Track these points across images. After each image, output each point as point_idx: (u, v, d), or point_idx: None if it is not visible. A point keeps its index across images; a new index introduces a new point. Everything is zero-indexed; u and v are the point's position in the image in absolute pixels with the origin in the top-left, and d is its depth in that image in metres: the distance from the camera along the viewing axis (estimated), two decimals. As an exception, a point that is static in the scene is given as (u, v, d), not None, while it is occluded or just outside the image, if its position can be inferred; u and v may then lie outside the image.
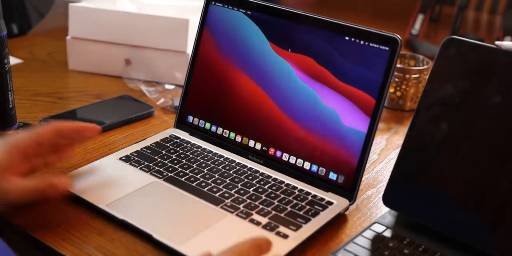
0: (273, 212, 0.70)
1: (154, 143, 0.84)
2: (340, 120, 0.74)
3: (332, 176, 0.75)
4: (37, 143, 0.70)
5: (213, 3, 0.85)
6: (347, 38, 0.74)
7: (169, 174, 0.77)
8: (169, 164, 0.79)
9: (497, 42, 0.68)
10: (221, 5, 0.84)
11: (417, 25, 1.37)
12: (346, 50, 0.74)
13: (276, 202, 0.72)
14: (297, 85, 0.78)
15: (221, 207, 0.71)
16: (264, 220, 0.69)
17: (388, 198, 0.72)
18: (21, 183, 0.66)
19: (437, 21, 1.48)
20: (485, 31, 1.50)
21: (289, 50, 0.78)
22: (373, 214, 0.75)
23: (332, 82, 0.75)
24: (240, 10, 0.82)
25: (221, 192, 0.74)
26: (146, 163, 0.79)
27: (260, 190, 0.75)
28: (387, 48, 0.71)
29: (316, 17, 0.77)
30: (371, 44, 0.72)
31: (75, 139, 0.74)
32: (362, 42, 0.73)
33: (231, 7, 0.83)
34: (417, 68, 1.03)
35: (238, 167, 0.79)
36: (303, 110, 0.77)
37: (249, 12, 0.82)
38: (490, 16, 1.54)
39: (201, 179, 0.76)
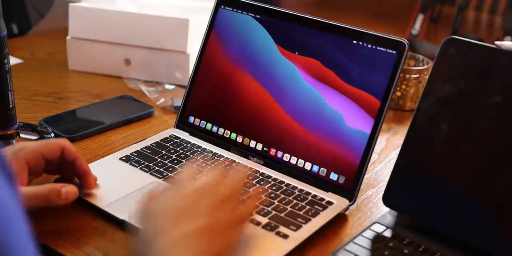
0: (273, 212, 0.70)
1: (154, 143, 0.84)
2: (344, 121, 0.74)
3: (333, 176, 0.75)
4: (43, 156, 0.70)
5: (222, 7, 0.85)
6: (354, 41, 0.75)
7: (169, 174, 0.77)
8: (169, 164, 0.79)
9: (497, 42, 0.68)
10: (230, 9, 0.85)
11: (417, 25, 1.37)
12: (353, 53, 0.75)
13: (276, 202, 0.72)
14: (302, 86, 0.78)
15: (221, 207, 0.71)
16: (264, 220, 0.69)
17: (388, 198, 0.72)
18: (23, 188, 0.66)
19: (437, 21, 1.48)
20: (485, 31, 1.50)
21: (296, 53, 0.79)
22: (373, 214, 0.75)
23: (338, 84, 0.75)
24: (249, 14, 0.83)
25: (221, 192, 0.74)
26: (146, 163, 0.79)
27: (260, 190, 0.75)
28: (394, 52, 0.72)
29: (323, 21, 0.78)
30: (378, 48, 0.73)
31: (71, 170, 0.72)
32: (369, 46, 0.74)
33: (240, 11, 0.84)
34: (417, 68, 1.03)
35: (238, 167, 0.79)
36: (307, 112, 0.77)
37: (258, 16, 0.82)
38: (490, 16, 1.54)
39: (201, 179, 0.76)
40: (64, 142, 0.71)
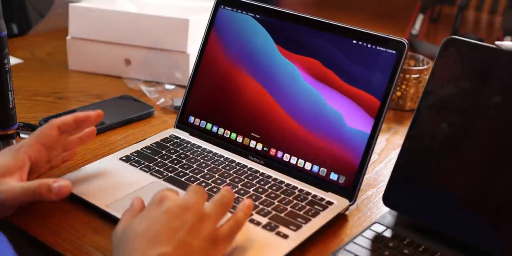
0: (273, 212, 0.70)
1: (154, 143, 0.84)
2: (344, 121, 0.74)
3: (333, 176, 0.75)
4: (43, 145, 0.70)
5: (222, 6, 0.85)
6: (354, 41, 0.75)
7: (169, 174, 0.77)
8: (169, 164, 0.79)
9: (497, 42, 0.68)
10: (230, 8, 0.85)
11: (417, 25, 1.37)
12: (353, 53, 0.75)
13: (276, 202, 0.72)
14: (302, 86, 0.78)
15: (221, 207, 0.71)
16: (264, 220, 0.69)
17: (388, 198, 0.72)
18: (14, 184, 0.65)
19: (437, 21, 1.48)
20: (485, 31, 1.50)
21: (296, 53, 0.79)
22: (373, 214, 0.75)
23: (338, 84, 0.75)
24: (249, 13, 0.83)
25: (221, 192, 0.74)
26: (146, 163, 0.79)
27: (260, 190, 0.75)
28: (394, 52, 0.72)
29: (323, 21, 0.78)
30: (378, 48, 0.73)
31: (77, 130, 0.75)
32: (369, 46, 0.74)
33: (240, 11, 0.84)
34: (417, 68, 1.03)
35: (238, 167, 0.79)
36: (307, 112, 0.77)
37: (258, 16, 0.82)
38: (490, 16, 1.54)
39: (201, 179, 0.76)
40: (54, 121, 0.72)
